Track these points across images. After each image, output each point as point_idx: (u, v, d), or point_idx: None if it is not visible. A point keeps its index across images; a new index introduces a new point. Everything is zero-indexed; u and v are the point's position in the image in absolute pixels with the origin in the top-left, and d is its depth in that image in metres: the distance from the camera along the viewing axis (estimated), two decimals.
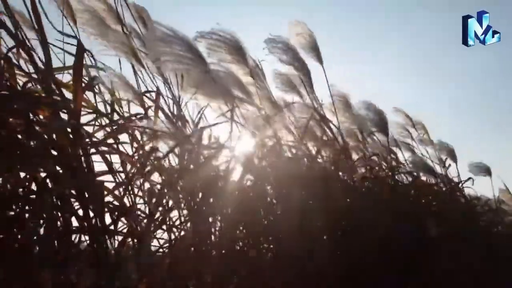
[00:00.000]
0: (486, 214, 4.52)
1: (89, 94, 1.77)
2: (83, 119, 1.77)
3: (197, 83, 2.25)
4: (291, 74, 3.21)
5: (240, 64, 2.54)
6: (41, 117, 1.54)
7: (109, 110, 1.88)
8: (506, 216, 5.05)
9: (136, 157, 1.86)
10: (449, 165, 4.38)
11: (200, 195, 2.11)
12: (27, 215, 1.54)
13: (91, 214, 1.61)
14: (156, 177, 1.96)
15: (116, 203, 1.74)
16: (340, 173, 3.04)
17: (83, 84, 1.69)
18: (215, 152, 2.25)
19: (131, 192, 1.80)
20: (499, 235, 4.53)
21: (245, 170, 2.32)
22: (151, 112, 2.13)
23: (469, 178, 4.61)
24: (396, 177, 3.54)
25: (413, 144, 4.30)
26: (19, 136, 1.54)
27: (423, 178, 3.99)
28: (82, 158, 1.60)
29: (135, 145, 1.89)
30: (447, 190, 4.14)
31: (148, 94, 2.19)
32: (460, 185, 4.32)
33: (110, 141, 1.76)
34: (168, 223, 1.96)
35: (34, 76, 1.59)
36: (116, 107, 1.94)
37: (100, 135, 1.76)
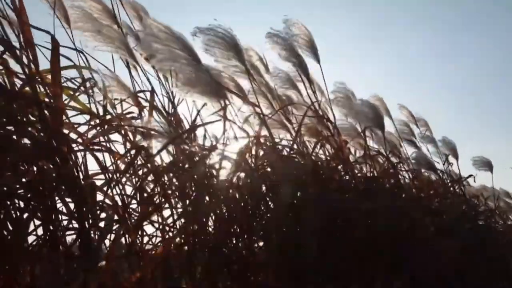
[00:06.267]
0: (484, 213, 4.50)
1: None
2: (77, 119, 1.81)
3: (191, 81, 2.27)
4: (290, 71, 3.22)
5: (236, 61, 2.55)
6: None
7: (101, 111, 1.91)
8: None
9: (128, 156, 1.89)
10: (451, 163, 4.37)
11: (194, 193, 2.16)
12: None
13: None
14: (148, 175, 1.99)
15: (108, 201, 1.77)
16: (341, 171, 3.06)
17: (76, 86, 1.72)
18: (209, 150, 2.28)
19: (123, 191, 1.84)
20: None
21: (238, 168, 2.35)
22: (145, 111, 2.16)
23: (470, 175, 4.63)
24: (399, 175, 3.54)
25: (416, 141, 4.29)
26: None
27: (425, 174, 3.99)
28: (73, 156, 1.64)
29: (127, 145, 1.92)
30: (447, 187, 4.13)
31: (142, 93, 2.22)
32: (461, 182, 4.31)
33: (101, 139, 1.79)
34: (160, 221, 2.00)
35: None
36: (109, 108, 1.96)
37: (92, 134, 1.79)
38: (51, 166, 1.63)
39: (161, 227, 1.99)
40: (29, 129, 1.61)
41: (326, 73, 3.16)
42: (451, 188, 4.12)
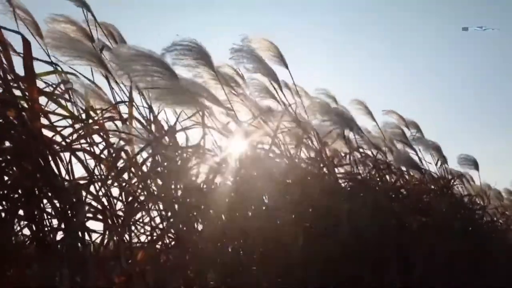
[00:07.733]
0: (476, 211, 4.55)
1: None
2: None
3: (167, 92, 2.32)
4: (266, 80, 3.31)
5: (208, 71, 2.61)
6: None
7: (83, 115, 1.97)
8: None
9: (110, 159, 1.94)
10: (441, 163, 4.44)
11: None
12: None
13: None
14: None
15: (94, 203, 1.81)
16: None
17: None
18: (191, 154, 2.33)
19: (109, 192, 1.87)
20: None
21: (219, 171, 2.40)
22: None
23: (461, 175, 4.71)
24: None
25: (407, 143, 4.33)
26: None
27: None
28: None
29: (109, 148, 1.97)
30: (437, 187, 4.19)
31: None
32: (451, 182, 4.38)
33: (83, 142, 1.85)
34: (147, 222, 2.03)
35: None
36: (91, 113, 2.02)
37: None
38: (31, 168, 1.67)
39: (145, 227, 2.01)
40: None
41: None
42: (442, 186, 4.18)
